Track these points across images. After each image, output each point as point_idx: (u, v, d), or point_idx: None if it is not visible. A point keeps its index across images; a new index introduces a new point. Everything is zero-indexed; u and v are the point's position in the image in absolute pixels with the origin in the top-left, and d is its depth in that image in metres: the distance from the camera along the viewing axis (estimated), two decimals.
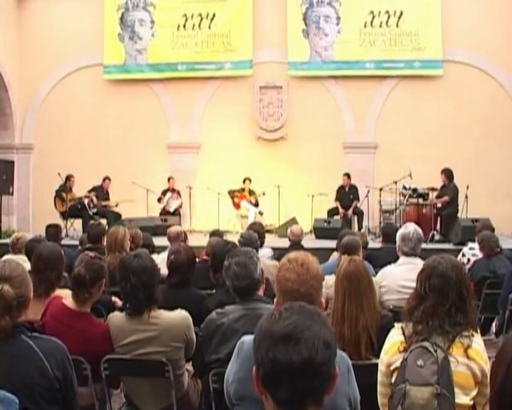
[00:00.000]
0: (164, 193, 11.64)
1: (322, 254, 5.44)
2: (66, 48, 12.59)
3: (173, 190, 11.72)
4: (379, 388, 2.32)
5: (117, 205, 10.83)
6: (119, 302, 3.77)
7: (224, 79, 12.37)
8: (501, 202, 11.30)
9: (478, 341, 2.19)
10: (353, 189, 11.17)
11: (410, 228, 4.11)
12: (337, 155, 12.00)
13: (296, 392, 1.22)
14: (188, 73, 12.40)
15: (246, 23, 12.19)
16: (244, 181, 11.44)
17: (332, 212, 11.08)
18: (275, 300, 2.11)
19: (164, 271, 3.61)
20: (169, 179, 11.73)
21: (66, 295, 3.06)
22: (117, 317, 2.92)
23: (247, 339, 1.97)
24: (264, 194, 11.23)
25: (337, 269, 2.98)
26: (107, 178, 11.08)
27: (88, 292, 2.89)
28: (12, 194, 11.62)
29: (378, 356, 2.39)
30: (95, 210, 10.60)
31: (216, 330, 2.64)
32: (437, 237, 9.62)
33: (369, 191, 10.80)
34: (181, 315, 2.92)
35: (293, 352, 1.21)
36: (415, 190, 9.87)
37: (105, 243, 4.74)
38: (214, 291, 3.85)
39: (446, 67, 11.83)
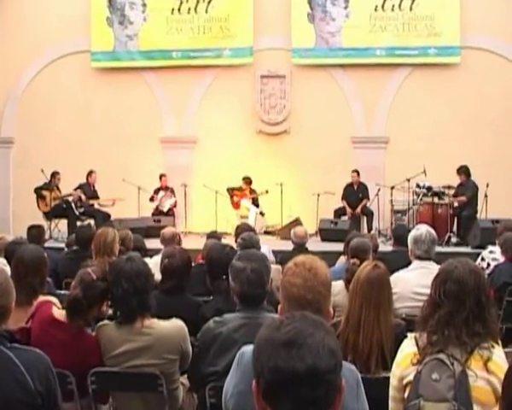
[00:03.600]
0: (156, 192, 11.64)
1: (329, 257, 5.39)
2: (50, 33, 12.57)
3: (167, 189, 11.72)
4: (390, 404, 2.32)
5: (113, 204, 10.75)
6: (108, 310, 3.77)
7: (223, 68, 12.35)
8: None
9: (499, 353, 2.18)
10: (362, 187, 11.16)
11: (422, 229, 4.11)
12: (345, 151, 11.99)
13: (300, 403, 1.23)
14: (183, 61, 12.39)
15: (246, 7, 12.17)
16: (244, 181, 11.41)
17: (339, 212, 11.07)
18: (279, 307, 2.11)
19: (157, 276, 3.61)
20: (161, 177, 11.71)
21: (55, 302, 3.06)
22: (106, 326, 2.92)
23: (248, 350, 1.97)
24: (267, 192, 11.22)
25: (357, 271, 3.00)
26: (92, 172, 11.03)
27: (83, 319, 2.89)
28: None
29: (389, 369, 2.39)
30: (81, 210, 10.60)
31: (213, 340, 2.64)
32: (454, 239, 9.62)
33: (379, 190, 10.79)
34: (176, 325, 2.92)
35: (297, 358, 1.22)
36: (429, 189, 9.86)
37: (92, 246, 4.73)
38: (211, 298, 3.85)
39: (464, 54, 11.82)
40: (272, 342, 1.27)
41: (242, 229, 5.80)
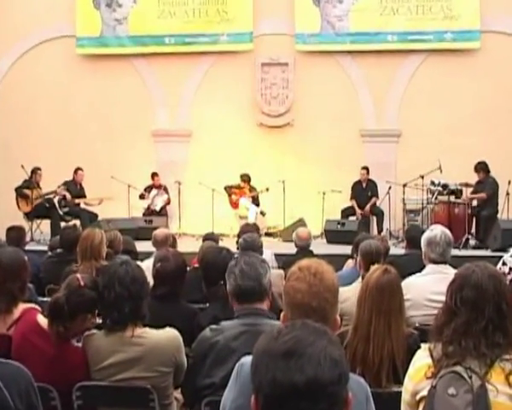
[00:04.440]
0: (148, 190, 11.65)
1: (335, 261, 5.41)
2: (31, 15, 12.57)
3: (159, 187, 11.73)
4: None
5: (100, 203, 10.75)
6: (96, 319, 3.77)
7: (220, 55, 12.36)
8: None
9: None
10: (372, 185, 11.17)
11: (437, 230, 4.12)
12: (353, 145, 12.00)
13: None
14: (176, 47, 12.40)
15: None
16: (242, 179, 11.41)
17: (347, 212, 11.09)
18: (281, 314, 2.11)
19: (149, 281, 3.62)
20: (153, 176, 11.73)
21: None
22: (94, 336, 2.92)
23: (247, 361, 1.97)
24: (267, 190, 11.23)
25: (367, 276, 3.01)
26: (78, 169, 11.06)
27: (63, 326, 2.88)
28: None
29: (401, 383, 2.39)
30: (66, 209, 10.60)
31: (210, 349, 2.65)
32: (472, 241, 9.62)
33: (390, 188, 10.80)
34: (170, 334, 2.93)
35: (296, 370, 1.23)
36: (445, 187, 9.86)
37: (77, 249, 4.73)
38: (208, 305, 3.85)
39: (484, 38, 11.82)
40: (270, 352, 1.27)
41: (247, 230, 5.79)
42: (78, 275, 3.05)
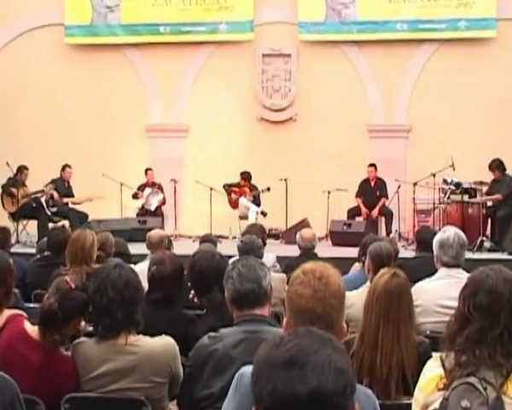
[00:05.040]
0: (141, 188, 11.64)
1: (341, 264, 5.41)
2: (16, 2, 12.57)
3: (153, 185, 11.72)
4: None
5: (90, 200, 10.73)
6: (86, 326, 3.77)
7: (218, 45, 12.37)
8: None
9: None
10: (381, 184, 11.17)
11: (450, 232, 4.13)
12: (360, 141, 12.00)
13: None
14: (172, 36, 12.41)
15: None
16: (242, 177, 11.41)
17: (353, 212, 11.09)
18: (284, 321, 2.12)
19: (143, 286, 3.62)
20: (146, 172, 11.72)
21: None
22: (84, 343, 2.92)
23: (248, 371, 1.98)
24: (268, 189, 11.22)
25: (374, 280, 3.02)
26: (66, 166, 11.06)
27: (59, 333, 2.89)
28: None
29: (411, 394, 2.39)
30: (54, 209, 10.60)
31: (208, 358, 2.65)
32: (487, 244, 9.62)
33: (399, 186, 10.80)
34: (165, 343, 2.93)
35: (298, 380, 1.23)
36: (458, 185, 9.85)
37: (66, 253, 4.72)
38: (204, 312, 3.85)
39: (501, 27, 11.80)
40: (271, 361, 1.27)
41: (253, 231, 5.77)
42: (67, 277, 3.05)
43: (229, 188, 11.51)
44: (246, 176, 11.41)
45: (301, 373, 1.23)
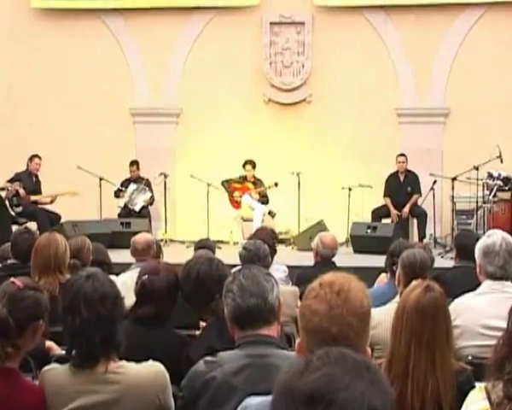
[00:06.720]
0: (125, 184, 11.66)
1: (364, 275, 5.41)
2: None
3: (139, 180, 11.73)
4: None
5: (54, 200, 10.80)
6: (58, 349, 3.75)
7: (217, 12, 12.37)
8: None
9: None
10: (413, 177, 11.18)
11: (496, 237, 4.10)
12: (387, 128, 12.00)
13: None
14: (162, 0, 12.41)
15: None
16: (244, 166, 11.42)
17: (379, 213, 11.10)
18: (296, 342, 2.11)
19: (125, 301, 3.62)
20: (132, 164, 11.76)
21: None
22: (55, 371, 2.90)
23: (252, 403, 1.97)
24: (276, 185, 11.23)
25: (403, 295, 3.01)
26: (34, 157, 11.08)
27: (13, 345, 2.87)
28: None
29: None
30: (19, 209, 10.62)
31: (204, 387, 2.65)
32: None
33: (435, 182, 10.80)
34: (153, 370, 2.92)
35: None
36: (507, 180, 9.84)
37: (32, 261, 4.72)
38: (202, 328, 3.85)
39: None
40: (291, 394, 1.24)
41: (261, 236, 5.74)
42: (13, 279, 3.01)
43: (229, 184, 11.49)
44: (251, 164, 11.35)
45: None
